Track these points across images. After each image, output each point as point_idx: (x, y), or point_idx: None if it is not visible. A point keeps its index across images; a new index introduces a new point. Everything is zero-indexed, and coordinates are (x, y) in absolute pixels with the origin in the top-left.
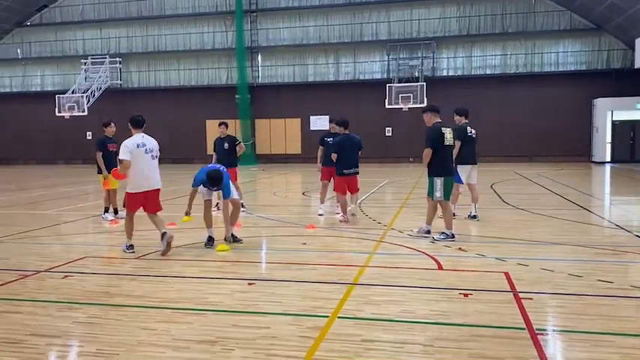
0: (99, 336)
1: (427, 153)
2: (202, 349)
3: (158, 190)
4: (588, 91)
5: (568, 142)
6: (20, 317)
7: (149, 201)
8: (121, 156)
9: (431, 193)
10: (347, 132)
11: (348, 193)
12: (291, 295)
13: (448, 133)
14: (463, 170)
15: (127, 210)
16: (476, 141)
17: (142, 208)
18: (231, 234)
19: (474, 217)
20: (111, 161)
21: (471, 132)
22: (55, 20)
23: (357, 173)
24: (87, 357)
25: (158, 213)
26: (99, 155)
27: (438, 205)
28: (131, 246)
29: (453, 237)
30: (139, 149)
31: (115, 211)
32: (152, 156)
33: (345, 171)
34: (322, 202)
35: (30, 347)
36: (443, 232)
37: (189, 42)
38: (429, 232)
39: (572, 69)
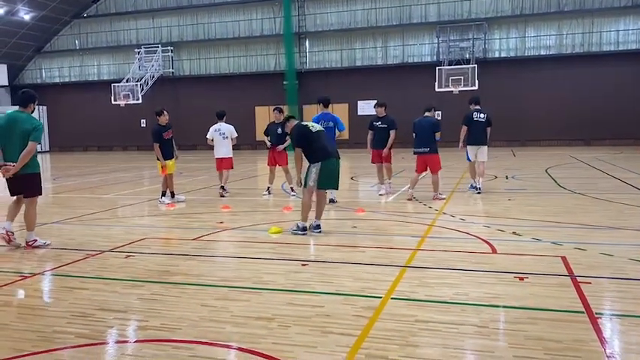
0: (162, 311)
1: (299, 153)
2: (260, 325)
3: (227, 157)
4: None
5: (629, 124)
6: (88, 293)
7: (223, 163)
8: (207, 136)
9: (305, 181)
10: (427, 115)
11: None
12: (343, 276)
13: (312, 125)
14: (471, 150)
15: (216, 169)
16: (486, 124)
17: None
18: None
19: (478, 189)
20: (168, 149)
21: (477, 117)
22: (110, 11)
23: (426, 152)
24: (152, 331)
25: (230, 171)
26: (156, 146)
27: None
28: (222, 188)
29: (304, 231)
30: (215, 132)
31: (172, 195)
32: (223, 137)
33: (414, 150)
34: (381, 182)
35: (98, 320)
36: (296, 224)
37: (238, 29)
38: (305, 228)
39: (634, 47)
